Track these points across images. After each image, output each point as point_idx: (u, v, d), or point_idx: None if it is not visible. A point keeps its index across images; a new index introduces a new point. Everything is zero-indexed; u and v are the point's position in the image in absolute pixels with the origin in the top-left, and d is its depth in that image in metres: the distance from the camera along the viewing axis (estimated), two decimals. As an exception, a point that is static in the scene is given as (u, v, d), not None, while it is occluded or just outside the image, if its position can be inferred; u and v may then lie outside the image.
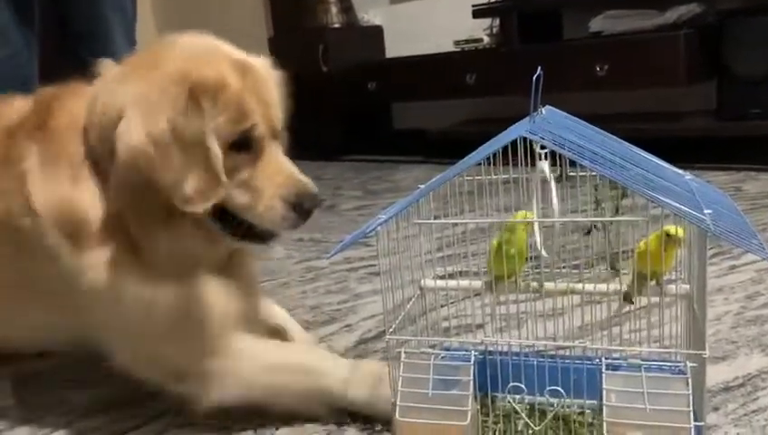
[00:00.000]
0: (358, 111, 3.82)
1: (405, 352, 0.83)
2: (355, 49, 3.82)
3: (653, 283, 0.85)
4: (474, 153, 0.84)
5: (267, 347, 1.06)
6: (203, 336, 0.99)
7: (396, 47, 3.91)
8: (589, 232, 0.84)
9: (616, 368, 0.77)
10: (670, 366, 0.80)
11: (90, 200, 0.93)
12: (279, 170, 0.95)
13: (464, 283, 0.95)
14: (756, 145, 2.67)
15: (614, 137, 0.91)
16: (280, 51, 4.06)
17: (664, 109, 3.05)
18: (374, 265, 0.92)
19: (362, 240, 0.85)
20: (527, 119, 0.81)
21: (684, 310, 0.88)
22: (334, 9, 3.89)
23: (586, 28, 3.00)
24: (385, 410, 0.91)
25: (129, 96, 0.88)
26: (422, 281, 0.97)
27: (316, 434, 1.01)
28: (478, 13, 3.27)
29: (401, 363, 0.82)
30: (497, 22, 3.34)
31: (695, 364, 0.75)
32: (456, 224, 0.90)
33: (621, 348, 0.81)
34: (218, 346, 1.00)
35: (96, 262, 0.93)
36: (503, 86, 3.12)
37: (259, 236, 0.98)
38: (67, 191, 0.93)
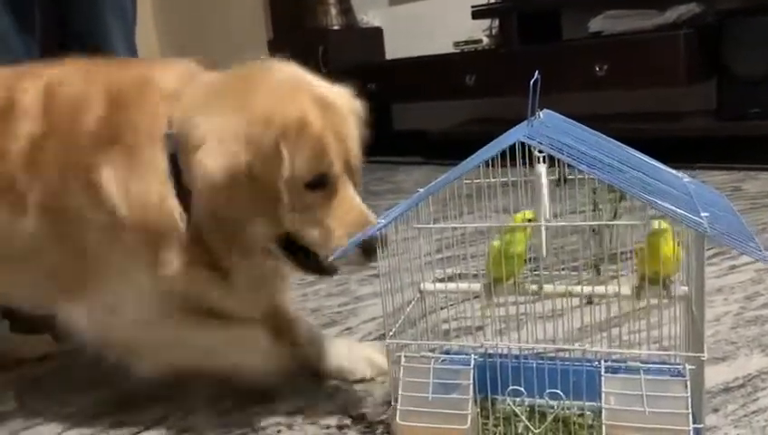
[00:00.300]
0: (358, 113, 3.82)
1: (405, 356, 0.83)
2: (355, 50, 3.83)
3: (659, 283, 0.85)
4: (472, 157, 0.84)
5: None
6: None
7: (395, 48, 3.92)
8: (595, 232, 0.83)
9: (615, 370, 0.77)
10: (669, 368, 0.81)
11: (171, 208, 0.95)
12: (351, 209, 0.96)
13: (463, 286, 0.95)
14: (756, 145, 2.67)
15: (611, 139, 0.91)
16: (279, 53, 4.07)
17: (664, 109, 3.05)
18: (375, 268, 0.92)
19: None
20: (525, 123, 0.81)
21: (683, 312, 0.89)
22: (334, 11, 3.90)
23: (585, 28, 3.00)
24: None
25: (214, 128, 0.89)
26: (421, 284, 0.98)
27: (317, 437, 1.01)
28: (477, 14, 3.28)
29: (401, 367, 0.83)
30: (497, 23, 3.34)
31: (693, 367, 0.75)
32: (455, 228, 0.90)
33: (620, 351, 0.81)
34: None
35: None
36: (502, 87, 3.12)
37: (324, 268, 1.01)
38: (149, 198, 0.95)
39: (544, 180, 0.82)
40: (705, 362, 1.12)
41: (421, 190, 0.86)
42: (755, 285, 1.45)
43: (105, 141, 0.96)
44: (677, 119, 2.92)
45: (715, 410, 0.99)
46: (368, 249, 0.93)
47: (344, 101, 1.01)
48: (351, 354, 1.17)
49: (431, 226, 0.89)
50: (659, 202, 0.69)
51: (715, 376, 1.09)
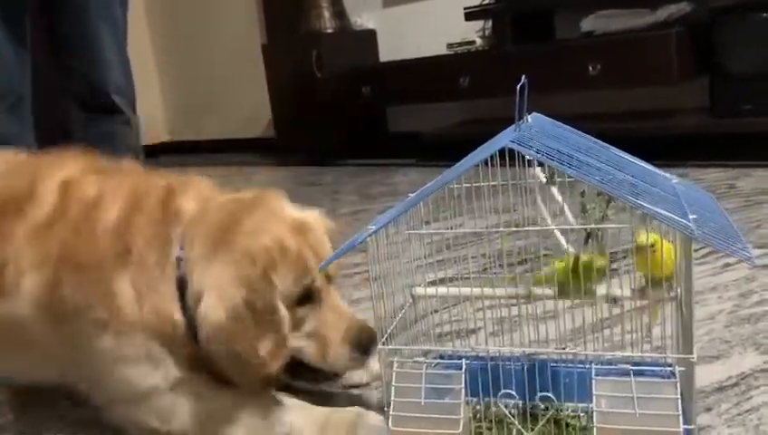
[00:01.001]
0: (353, 116, 3.83)
1: (397, 361, 0.83)
2: (349, 54, 3.83)
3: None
4: (460, 163, 0.84)
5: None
6: None
7: (389, 51, 3.92)
8: (587, 241, 0.84)
9: (606, 373, 0.77)
10: (661, 369, 0.81)
11: (177, 320, 1.00)
12: (339, 316, 1.04)
13: (454, 290, 0.95)
14: (750, 141, 2.68)
15: (600, 141, 0.92)
16: (274, 57, 4.07)
17: (657, 107, 3.06)
18: (368, 272, 0.93)
19: (357, 246, 0.86)
20: (512, 127, 0.81)
21: (673, 312, 0.89)
22: (327, 14, 3.90)
23: (578, 28, 3.01)
24: None
25: (209, 280, 0.97)
26: (414, 289, 0.98)
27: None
28: (471, 15, 3.28)
29: (394, 373, 0.83)
30: (490, 24, 3.35)
31: (683, 368, 0.75)
32: (446, 230, 0.91)
33: (609, 353, 0.82)
34: None
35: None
36: (496, 87, 3.11)
37: (327, 377, 1.07)
38: (160, 311, 1.00)
39: (544, 181, 0.82)
40: (700, 361, 1.13)
41: (412, 195, 0.86)
42: (749, 283, 1.46)
43: (122, 250, 1.01)
44: (671, 117, 2.93)
45: (709, 410, 0.99)
46: (367, 350, 1.01)
47: (314, 220, 1.10)
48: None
49: (422, 231, 0.89)
50: (647, 205, 0.69)
51: (708, 375, 1.09)
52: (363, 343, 1.01)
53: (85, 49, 1.80)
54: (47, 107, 1.83)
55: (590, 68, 2.82)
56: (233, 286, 0.95)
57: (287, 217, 1.06)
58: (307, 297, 1.02)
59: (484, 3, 3.26)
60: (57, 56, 1.81)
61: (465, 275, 0.97)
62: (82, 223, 1.02)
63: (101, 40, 1.80)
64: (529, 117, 0.89)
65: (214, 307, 0.95)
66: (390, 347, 0.84)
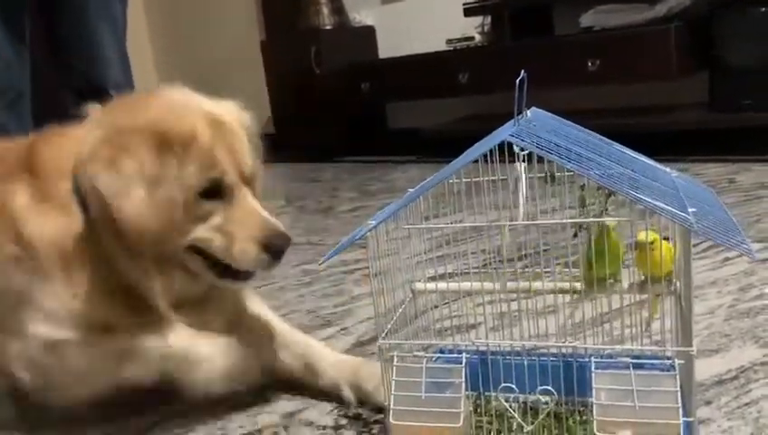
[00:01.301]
0: (352, 113, 3.83)
1: (397, 356, 0.83)
2: (347, 50, 3.83)
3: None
4: (459, 158, 0.84)
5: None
6: None
7: (388, 47, 3.92)
8: (575, 235, 0.84)
9: (606, 366, 0.77)
10: (660, 362, 0.81)
11: (77, 233, 1.01)
12: (250, 215, 1.02)
13: (454, 285, 0.95)
14: (749, 136, 2.68)
15: (599, 136, 0.92)
16: (273, 54, 4.07)
17: (656, 102, 3.06)
18: (368, 268, 0.93)
19: (357, 242, 0.86)
20: (512, 122, 0.81)
21: (673, 306, 0.89)
22: (326, 10, 3.89)
23: (577, 24, 3.01)
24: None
25: (100, 138, 0.97)
26: (414, 284, 0.98)
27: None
28: (470, 11, 3.28)
29: (394, 367, 0.83)
30: (489, 19, 3.34)
31: (682, 361, 0.75)
32: (447, 225, 0.91)
33: (609, 347, 0.82)
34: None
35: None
36: (496, 83, 3.12)
37: (237, 275, 1.06)
38: (58, 225, 1.01)
39: (522, 179, 0.82)
40: (699, 354, 1.13)
41: (411, 190, 0.86)
42: (748, 277, 1.46)
43: (17, 172, 1.04)
44: (670, 112, 2.93)
45: (708, 403, 0.99)
46: (275, 252, 1.01)
47: (233, 117, 1.08)
48: (338, 374, 1.13)
49: (421, 226, 0.89)
50: (646, 199, 0.70)
51: (708, 369, 1.09)
52: (272, 246, 1.01)
53: (84, 47, 1.80)
54: (46, 104, 1.82)
55: (590, 63, 2.82)
56: (125, 150, 0.94)
57: (201, 107, 1.04)
58: (215, 193, 1.00)
59: (483, -2, 3.26)
60: (56, 54, 1.82)
61: (465, 271, 0.97)
62: None
63: (101, 37, 1.80)
64: (528, 111, 0.89)
65: (101, 163, 0.94)
66: (391, 342, 0.84)
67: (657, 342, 0.93)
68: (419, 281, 0.99)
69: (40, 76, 1.78)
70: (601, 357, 0.80)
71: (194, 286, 1.08)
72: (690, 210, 0.71)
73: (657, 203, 0.69)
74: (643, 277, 0.87)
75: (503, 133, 0.77)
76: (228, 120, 1.05)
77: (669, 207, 0.69)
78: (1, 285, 1.04)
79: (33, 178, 1.03)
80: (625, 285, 0.88)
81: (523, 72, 0.80)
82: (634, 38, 2.74)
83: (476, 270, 1.07)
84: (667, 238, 0.84)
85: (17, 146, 1.10)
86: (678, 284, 0.85)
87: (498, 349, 0.91)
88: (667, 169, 0.91)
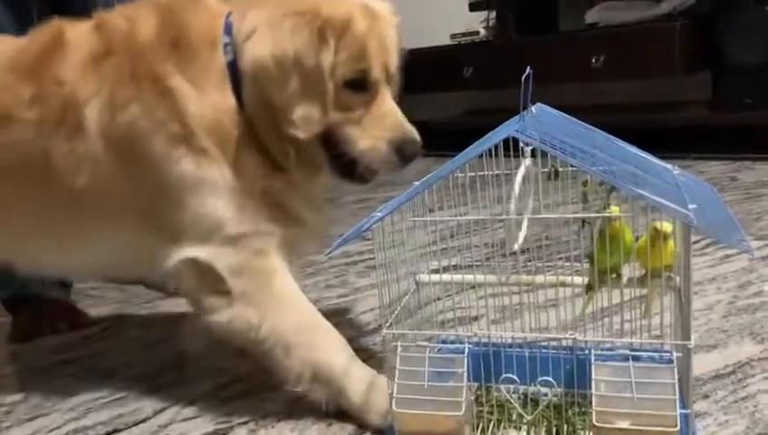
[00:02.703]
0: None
1: (401, 346, 0.85)
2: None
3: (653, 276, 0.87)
4: (465, 151, 0.86)
5: (308, 305, 1.05)
6: (268, 242, 1.03)
7: (393, 40, 3.92)
8: (582, 226, 0.86)
9: (606, 359, 0.79)
10: (660, 356, 0.83)
11: (233, 109, 1.01)
12: (388, 114, 1.02)
13: (457, 277, 0.97)
14: (751, 134, 2.69)
15: (603, 133, 0.93)
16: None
17: (660, 99, 3.06)
18: (373, 259, 0.94)
19: (362, 234, 0.88)
20: (517, 117, 0.83)
21: (674, 301, 0.91)
22: (331, 3, 3.89)
23: (582, 20, 3.01)
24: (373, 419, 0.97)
25: (263, 19, 0.97)
26: (418, 276, 1.00)
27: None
28: (475, 5, 3.29)
29: (398, 356, 0.85)
30: (494, 14, 3.35)
31: (680, 354, 0.77)
32: (450, 218, 0.92)
33: (608, 340, 0.83)
34: (271, 264, 1.03)
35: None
36: (500, 78, 3.12)
37: (359, 175, 1.06)
38: (216, 102, 1.00)
39: (520, 176, 0.83)
40: (698, 349, 1.15)
41: (417, 183, 0.88)
42: (747, 275, 1.48)
43: (167, 48, 1.01)
44: (673, 109, 2.93)
45: (706, 397, 1.01)
46: (405, 156, 1.00)
47: (388, 15, 1.07)
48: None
49: (426, 218, 0.91)
50: (648, 195, 0.71)
51: (706, 363, 1.11)
52: (404, 149, 1.01)
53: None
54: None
55: (594, 60, 2.82)
56: (287, 32, 0.94)
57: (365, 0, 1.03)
58: (359, 85, 1.00)
59: (488, -8, 3.26)
60: None
61: (468, 264, 0.99)
62: (126, 45, 1.02)
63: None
64: (533, 107, 0.91)
65: (262, 43, 0.95)
66: (395, 332, 0.86)
67: (656, 336, 0.94)
68: (423, 273, 1.00)
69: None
70: (601, 350, 0.81)
71: (322, 178, 1.10)
72: (691, 207, 0.72)
73: (659, 199, 0.70)
74: (643, 271, 0.88)
75: (508, 129, 0.78)
76: (384, 15, 1.05)
77: (670, 204, 0.70)
78: (171, 172, 1.01)
79: (182, 54, 1.01)
80: (625, 279, 0.89)
81: (528, 68, 0.81)
82: (638, 35, 2.75)
83: (479, 263, 1.09)
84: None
85: (149, 17, 1.05)
86: (678, 279, 0.87)
87: (500, 340, 0.93)
88: (669, 166, 0.92)
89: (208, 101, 1.00)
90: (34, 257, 1.18)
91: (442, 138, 3.43)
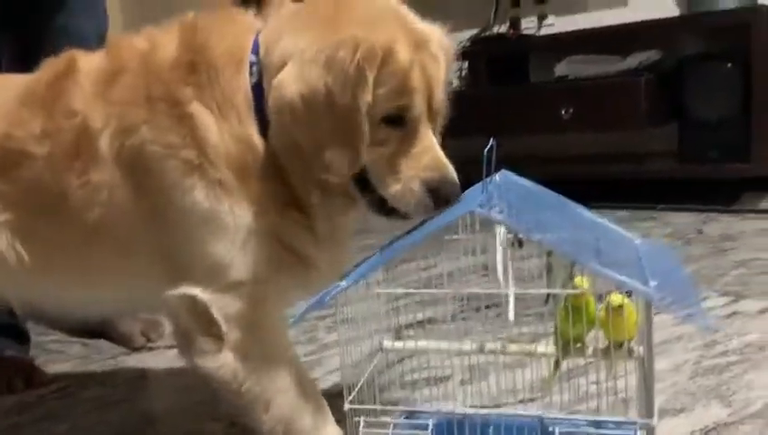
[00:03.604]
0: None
1: (364, 421, 0.83)
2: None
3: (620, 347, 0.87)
4: (428, 224, 0.86)
5: (299, 369, 1.01)
6: (270, 294, 0.97)
7: (367, 88, 3.96)
8: (546, 301, 0.86)
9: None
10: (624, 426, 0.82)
11: (256, 141, 0.92)
12: (426, 152, 0.91)
13: (422, 343, 0.96)
14: (716, 187, 2.75)
15: (567, 200, 0.94)
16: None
17: (627, 151, 3.12)
18: (347, 311, 0.91)
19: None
20: (480, 186, 0.83)
21: (637, 369, 0.91)
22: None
23: (552, 72, 3.08)
24: None
25: (298, 48, 0.87)
26: (383, 342, 0.98)
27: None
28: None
29: (360, 432, 0.83)
30: (466, 65, 3.41)
31: (643, 432, 0.76)
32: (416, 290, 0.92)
33: (575, 417, 0.83)
34: (269, 317, 0.98)
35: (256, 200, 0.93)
36: (472, 128, 3.16)
37: (394, 211, 0.94)
38: (237, 131, 0.92)
39: (498, 243, 0.84)
40: (665, 414, 1.15)
41: (379, 254, 0.87)
42: (714, 334, 1.48)
43: (186, 71, 0.93)
44: (641, 161, 2.99)
45: (673, 465, 1.00)
46: (440, 199, 0.89)
47: (436, 40, 0.95)
48: None
49: (391, 290, 0.90)
50: (610, 272, 0.71)
51: (674, 428, 1.11)
52: (439, 192, 0.89)
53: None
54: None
55: (563, 111, 2.88)
56: (320, 67, 0.84)
57: (406, 22, 0.92)
58: (398, 120, 0.90)
59: (462, 45, 3.32)
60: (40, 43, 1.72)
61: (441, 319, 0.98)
62: (142, 66, 0.95)
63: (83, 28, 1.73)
64: (497, 175, 0.91)
65: (291, 79, 0.85)
66: (356, 407, 0.84)
67: (623, 399, 0.94)
68: (388, 340, 0.99)
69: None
70: (566, 424, 0.80)
71: (348, 216, 1.01)
72: (651, 283, 0.72)
73: (621, 277, 0.71)
74: (607, 342, 0.88)
75: (471, 200, 0.78)
76: (431, 42, 0.93)
77: (631, 281, 0.71)
78: (181, 202, 0.93)
79: (203, 77, 0.93)
80: (590, 349, 0.89)
81: (492, 139, 0.82)
82: (606, 88, 2.82)
83: (449, 323, 1.07)
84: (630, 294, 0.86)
85: (171, 35, 0.98)
86: (641, 349, 0.87)
87: (461, 413, 0.91)
88: (630, 236, 0.93)
89: (229, 131, 0.92)
90: (43, 295, 1.13)
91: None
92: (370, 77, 0.84)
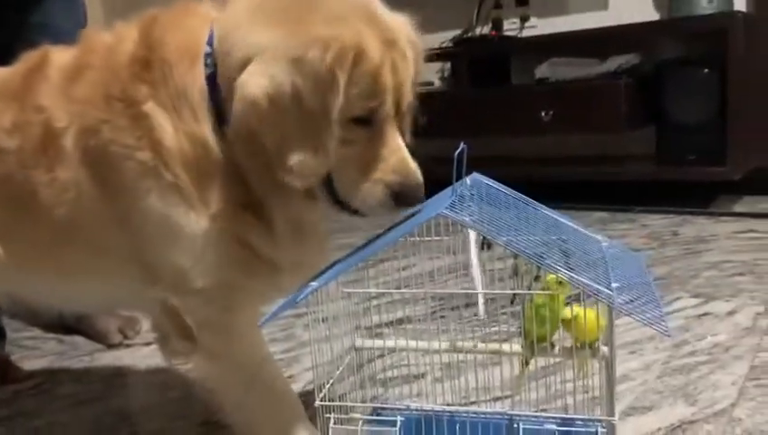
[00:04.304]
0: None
1: (334, 418, 0.85)
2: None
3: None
4: (398, 227, 0.87)
5: (271, 369, 1.04)
6: (242, 300, 0.97)
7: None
8: (512, 301, 0.88)
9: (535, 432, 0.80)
10: (586, 428, 0.84)
11: (211, 140, 0.90)
12: (391, 153, 0.89)
13: (400, 342, 0.97)
14: (693, 189, 2.79)
15: (535, 203, 0.96)
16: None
17: (606, 153, 3.16)
18: (320, 310, 0.92)
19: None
20: (449, 190, 0.85)
21: (602, 369, 0.93)
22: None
23: (532, 74, 3.11)
24: None
25: (262, 45, 0.83)
26: (356, 341, 1.00)
27: None
28: (430, 57, 3.35)
29: (330, 429, 0.84)
30: (449, 66, 3.43)
31: (605, 430, 0.78)
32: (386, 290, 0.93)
33: (541, 415, 0.85)
34: (238, 322, 0.98)
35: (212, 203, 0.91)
36: (453, 128, 3.19)
37: (355, 211, 0.92)
38: (191, 130, 0.90)
39: (473, 244, 0.85)
40: (633, 412, 1.18)
41: (356, 249, 0.88)
42: (683, 334, 1.52)
43: (141, 68, 0.91)
44: (619, 163, 3.03)
45: (637, 462, 1.03)
46: (402, 202, 0.88)
47: (405, 35, 0.92)
48: None
49: (360, 290, 0.91)
50: (574, 276, 0.73)
51: (640, 427, 1.13)
52: (402, 195, 0.88)
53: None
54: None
55: (543, 113, 2.91)
56: (288, 65, 0.81)
57: (376, 19, 0.88)
58: (366, 120, 0.87)
59: (444, 46, 3.34)
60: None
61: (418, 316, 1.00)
62: (103, 63, 0.94)
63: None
64: (468, 178, 0.93)
65: (257, 78, 0.81)
66: (328, 404, 0.85)
67: (592, 398, 0.96)
68: (361, 337, 1.01)
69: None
70: (531, 421, 0.82)
71: (311, 213, 0.98)
72: (613, 285, 0.74)
73: (583, 280, 0.73)
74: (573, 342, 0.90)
75: (439, 205, 0.80)
76: (400, 38, 0.90)
77: (594, 284, 0.73)
78: (141, 206, 0.92)
79: (157, 74, 0.90)
80: (557, 348, 0.91)
81: (462, 144, 0.83)
82: (585, 91, 2.85)
83: (422, 322, 1.09)
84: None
85: (134, 30, 0.96)
86: (606, 349, 0.89)
87: (430, 410, 0.93)
88: (598, 237, 0.95)
89: (184, 130, 0.89)
90: (22, 289, 1.14)
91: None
92: (342, 79, 0.82)
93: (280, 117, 0.82)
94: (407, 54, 0.90)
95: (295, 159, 0.83)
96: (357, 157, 0.88)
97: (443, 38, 3.36)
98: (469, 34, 3.30)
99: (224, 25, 0.89)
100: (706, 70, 2.68)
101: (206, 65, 0.90)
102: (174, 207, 0.91)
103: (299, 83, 0.81)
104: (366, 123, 0.88)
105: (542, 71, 3.05)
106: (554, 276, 0.82)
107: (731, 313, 1.62)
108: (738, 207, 2.73)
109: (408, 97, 0.93)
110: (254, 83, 0.82)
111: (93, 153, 0.94)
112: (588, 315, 0.84)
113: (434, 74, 3.51)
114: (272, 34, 0.83)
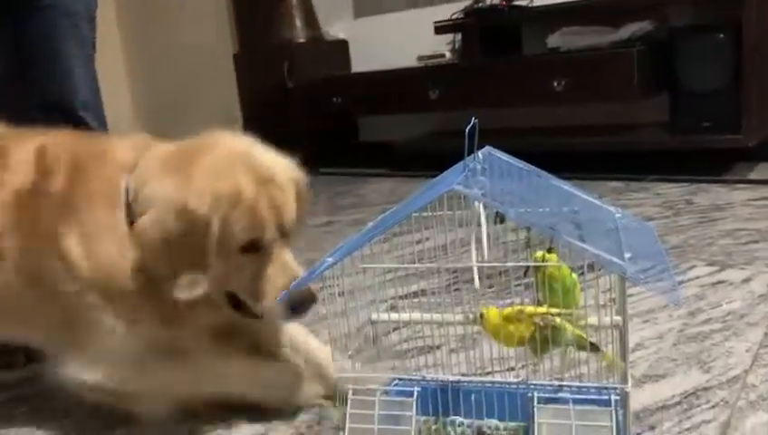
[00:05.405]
0: (324, 126, 3.86)
1: (352, 389, 0.87)
2: (320, 64, 3.86)
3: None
4: (409, 201, 0.88)
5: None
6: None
7: (361, 62, 3.96)
8: (525, 273, 0.89)
9: (548, 401, 0.82)
10: (600, 396, 0.86)
11: (127, 266, 1.08)
12: (282, 272, 1.07)
13: (415, 315, 0.99)
14: (707, 157, 2.77)
15: (548, 174, 0.96)
16: (245, 67, 4.08)
17: (619, 122, 3.14)
18: (336, 285, 0.96)
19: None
20: (461, 164, 0.86)
21: (617, 339, 0.94)
22: (299, 24, 3.92)
23: (544, 44, 3.08)
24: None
25: (157, 197, 1.04)
26: (372, 315, 1.02)
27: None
28: (441, 29, 3.33)
29: (349, 399, 0.86)
30: (459, 37, 3.40)
31: (617, 397, 0.80)
32: (402, 265, 0.94)
33: (551, 383, 0.86)
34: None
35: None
36: (465, 100, 3.18)
37: (259, 317, 1.13)
38: (109, 257, 1.09)
39: (483, 218, 0.86)
40: (647, 379, 1.19)
41: (369, 225, 0.90)
42: (698, 302, 1.52)
43: (68, 209, 1.10)
44: (632, 132, 3.01)
45: (652, 428, 1.04)
46: (299, 311, 1.07)
47: (283, 172, 1.12)
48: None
49: (376, 265, 0.93)
50: (584, 246, 0.74)
51: (654, 393, 1.15)
52: (297, 306, 1.06)
53: (51, 62, 1.79)
54: (9, 119, 1.81)
55: (555, 83, 2.89)
56: (174, 216, 1.01)
57: (251, 163, 1.09)
58: (254, 247, 1.06)
59: (454, 17, 3.31)
60: (20, 69, 1.80)
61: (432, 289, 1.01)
62: (43, 192, 1.12)
63: (68, 54, 1.79)
64: (480, 152, 0.94)
65: (150, 225, 1.02)
66: (345, 375, 0.87)
67: (607, 366, 0.97)
68: (377, 311, 1.02)
69: (6, 96, 1.77)
70: (545, 391, 0.84)
71: (218, 317, 1.16)
72: (626, 256, 0.75)
73: (595, 250, 0.74)
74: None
75: (450, 180, 0.81)
76: (277, 176, 1.10)
77: (606, 256, 0.74)
78: (75, 315, 1.11)
79: (78, 212, 1.10)
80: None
81: (474, 118, 0.84)
82: (598, 60, 2.82)
83: (438, 296, 1.10)
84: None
85: (66, 165, 1.15)
86: (618, 318, 0.90)
87: (446, 380, 0.95)
88: (611, 208, 0.96)
89: (101, 261, 1.09)
90: None
91: (408, 158, 3.48)
92: (215, 222, 1.01)
93: (169, 252, 1.02)
94: (284, 186, 1.10)
95: (182, 280, 1.03)
96: (252, 277, 1.08)
97: (454, 9, 3.33)
98: (479, 5, 3.26)
99: (136, 180, 1.10)
100: (721, 35, 2.64)
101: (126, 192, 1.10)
102: (101, 324, 1.10)
103: (181, 227, 1.01)
104: (255, 250, 1.07)
105: (554, 40, 3.02)
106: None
107: (746, 280, 1.62)
108: (753, 175, 2.71)
109: (291, 220, 1.10)
110: (148, 229, 1.03)
111: (30, 268, 1.13)
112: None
113: (444, 46, 3.48)
114: (163, 187, 1.05)
